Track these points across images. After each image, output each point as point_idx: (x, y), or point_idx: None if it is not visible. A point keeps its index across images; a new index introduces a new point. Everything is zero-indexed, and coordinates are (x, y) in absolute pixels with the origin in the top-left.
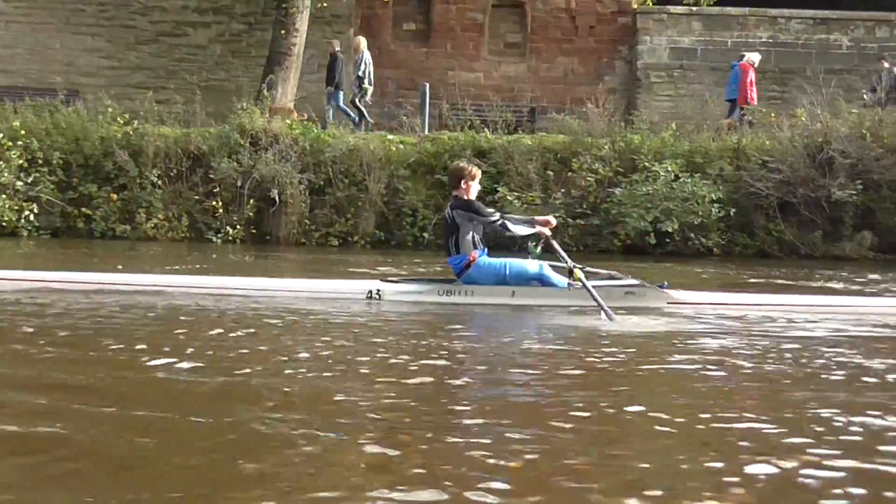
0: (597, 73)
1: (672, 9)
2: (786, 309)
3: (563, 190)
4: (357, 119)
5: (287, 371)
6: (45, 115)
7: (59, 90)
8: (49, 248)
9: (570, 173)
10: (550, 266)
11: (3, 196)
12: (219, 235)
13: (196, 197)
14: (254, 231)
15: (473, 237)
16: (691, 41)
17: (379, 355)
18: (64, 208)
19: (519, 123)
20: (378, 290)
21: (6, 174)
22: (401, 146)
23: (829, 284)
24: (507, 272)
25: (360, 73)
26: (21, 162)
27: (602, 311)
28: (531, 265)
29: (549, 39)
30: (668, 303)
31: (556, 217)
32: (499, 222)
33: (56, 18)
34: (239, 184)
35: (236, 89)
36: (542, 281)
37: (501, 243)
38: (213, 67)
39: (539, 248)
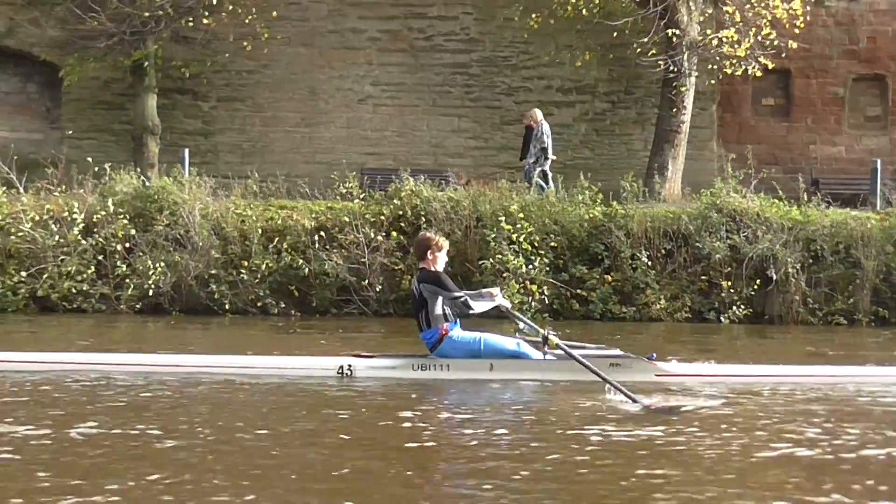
0: None
1: None
2: (782, 380)
3: None
4: (543, 188)
5: None
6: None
7: (428, 172)
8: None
9: None
10: (526, 342)
11: (512, 280)
12: (724, 316)
13: (702, 277)
14: (748, 311)
15: (444, 310)
16: None
17: None
18: (559, 290)
19: None
20: (349, 366)
21: (511, 258)
22: (872, 221)
23: None
24: (482, 347)
25: (544, 145)
26: (527, 246)
27: (613, 390)
28: (507, 342)
29: None
30: (656, 375)
31: None
32: (461, 299)
33: (423, 101)
34: (716, 259)
35: (600, 167)
36: (518, 358)
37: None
38: (578, 146)
39: (522, 326)
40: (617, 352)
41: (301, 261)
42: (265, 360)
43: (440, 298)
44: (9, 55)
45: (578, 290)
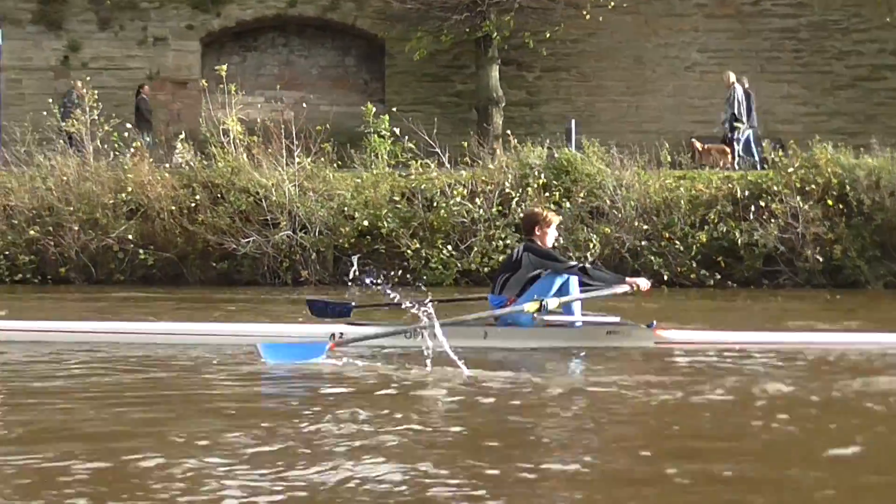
0: None
1: None
2: (790, 346)
3: None
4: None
5: None
6: None
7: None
8: None
9: None
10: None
11: None
12: None
13: None
14: None
15: (524, 284)
16: None
17: None
18: None
19: None
20: (341, 333)
21: None
22: None
23: None
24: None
25: (733, 111)
26: None
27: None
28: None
29: None
30: (656, 343)
31: None
32: (577, 267)
33: (751, 67)
34: None
35: None
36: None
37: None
38: None
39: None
40: (615, 318)
41: (737, 231)
42: (256, 328)
43: (528, 273)
44: (328, 29)
45: None
